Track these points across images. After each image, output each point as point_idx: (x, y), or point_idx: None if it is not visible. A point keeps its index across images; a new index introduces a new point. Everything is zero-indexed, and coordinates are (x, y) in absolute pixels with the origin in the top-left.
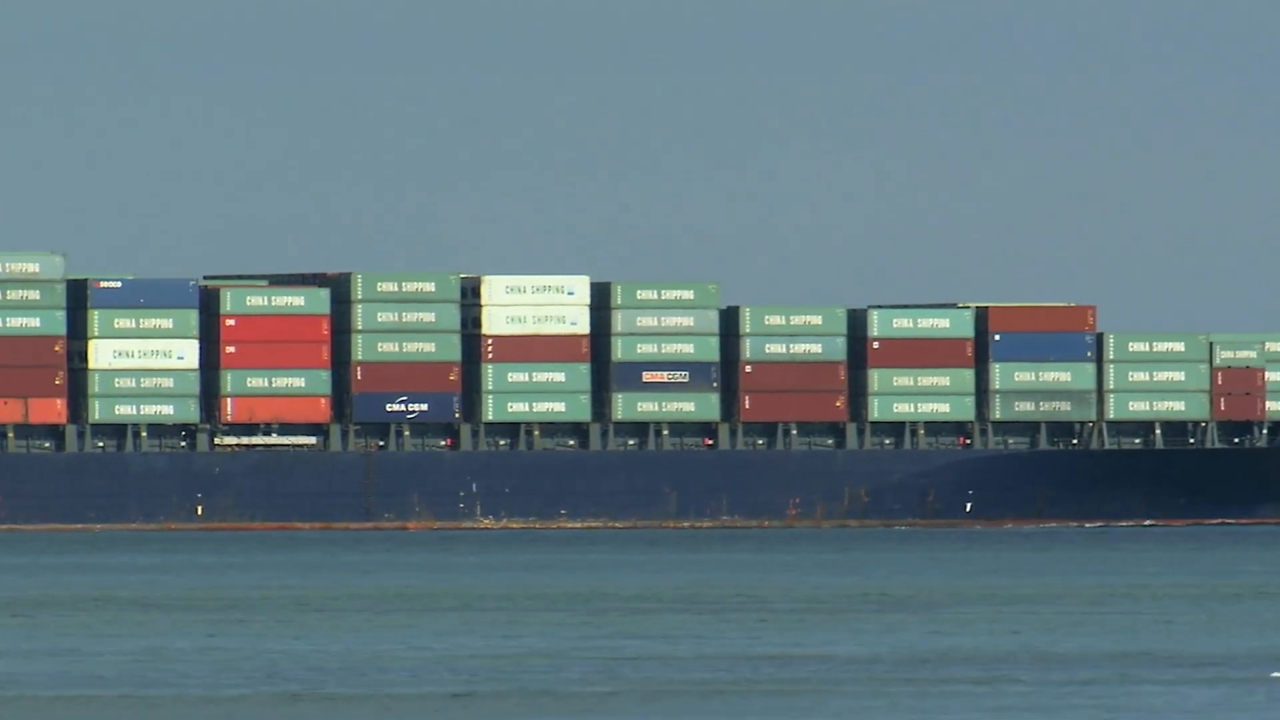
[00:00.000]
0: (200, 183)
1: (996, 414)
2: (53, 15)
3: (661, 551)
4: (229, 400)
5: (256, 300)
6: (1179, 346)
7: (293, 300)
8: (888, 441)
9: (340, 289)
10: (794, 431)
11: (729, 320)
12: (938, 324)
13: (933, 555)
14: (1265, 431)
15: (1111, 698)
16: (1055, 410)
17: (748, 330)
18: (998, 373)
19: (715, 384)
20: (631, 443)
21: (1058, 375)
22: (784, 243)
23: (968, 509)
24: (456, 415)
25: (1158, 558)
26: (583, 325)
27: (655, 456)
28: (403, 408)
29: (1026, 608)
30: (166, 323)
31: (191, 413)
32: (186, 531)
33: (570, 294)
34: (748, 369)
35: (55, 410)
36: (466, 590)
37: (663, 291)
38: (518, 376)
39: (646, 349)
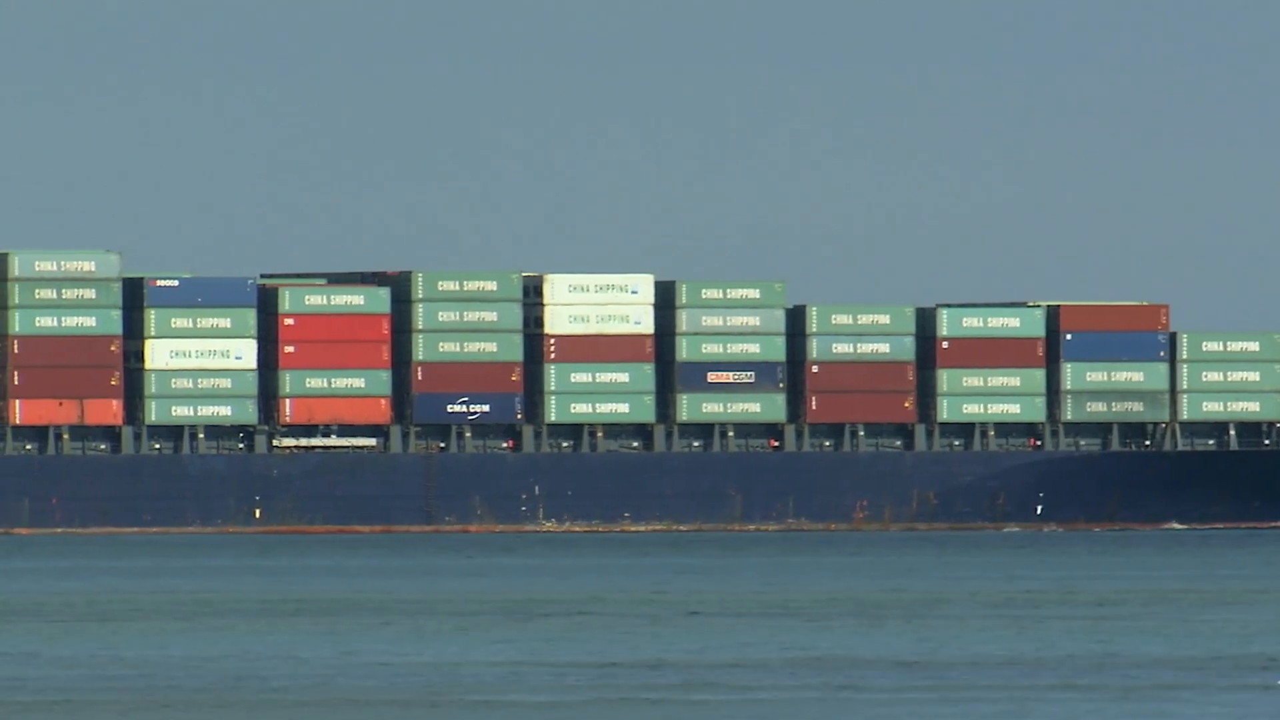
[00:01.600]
0: (258, 180)
1: (1068, 415)
2: (109, 13)
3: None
4: (288, 401)
5: (315, 299)
6: (1254, 346)
7: (352, 299)
8: (957, 443)
9: (401, 288)
10: (861, 433)
11: (795, 319)
12: (1008, 323)
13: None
14: None
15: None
16: (1128, 411)
17: (814, 330)
18: (1069, 373)
19: (781, 384)
20: (696, 444)
21: (1130, 375)
22: (851, 240)
23: (1038, 512)
24: (519, 416)
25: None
26: (647, 325)
27: (720, 458)
28: (464, 409)
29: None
30: (224, 322)
31: (250, 414)
32: (244, 535)
33: (634, 293)
34: (814, 369)
35: (111, 411)
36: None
37: (728, 290)
38: (581, 377)
39: (711, 349)
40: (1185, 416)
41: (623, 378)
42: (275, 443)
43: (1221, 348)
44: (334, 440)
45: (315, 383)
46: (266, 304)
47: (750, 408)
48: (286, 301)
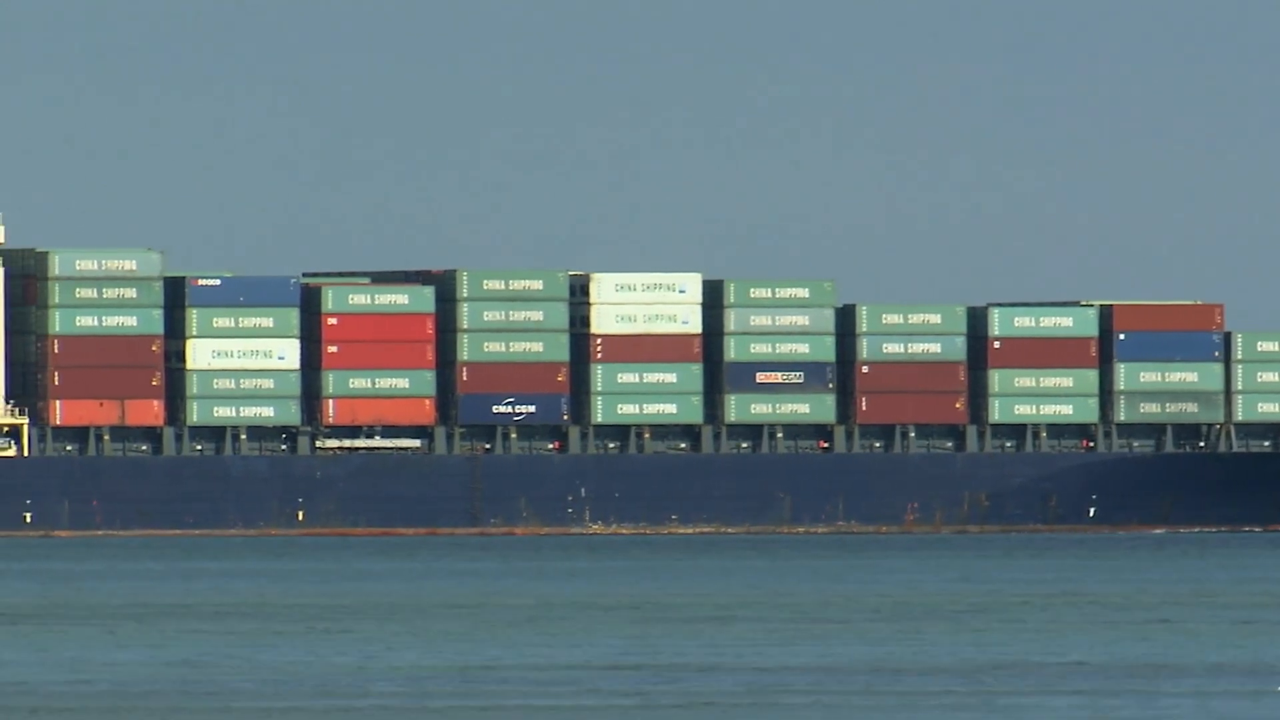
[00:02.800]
0: (300, 178)
1: (1121, 416)
2: (151, 14)
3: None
4: (331, 402)
5: (359, 298)
6: None
7: (396, 298)
8: (1009, 444)
9: (445, 287)
10: (912, 434)
11: (845, 319)
12: (1060, 323)
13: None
14: None
15: None
16: (1182, 412)
17: (864, 329)
18: (1122, 373)
19: (831, 385)
20: (744, 445)
21: (1184, 376)
22: (901, 239)
23: (1091, 514)
24: (565, 417)
25: None
26: (694, 324)
27: (769, 460)
28: (509, 409)
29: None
30: (266, 322)
31: (292, 415)
32: (287, 537)
33: (682, 292)
34: (864, 369)
35: (152, 412)
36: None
37: (777, 289)
38: (628, 377)
39: (760, 349)
40: (1240, 418)
41: (670, 378)
42: (318, 444)
43: (1277, 348)
44: (378, 441)
45: (359, 383)
46: (309, 303)
47: (799, 408)
48: (329, 301)
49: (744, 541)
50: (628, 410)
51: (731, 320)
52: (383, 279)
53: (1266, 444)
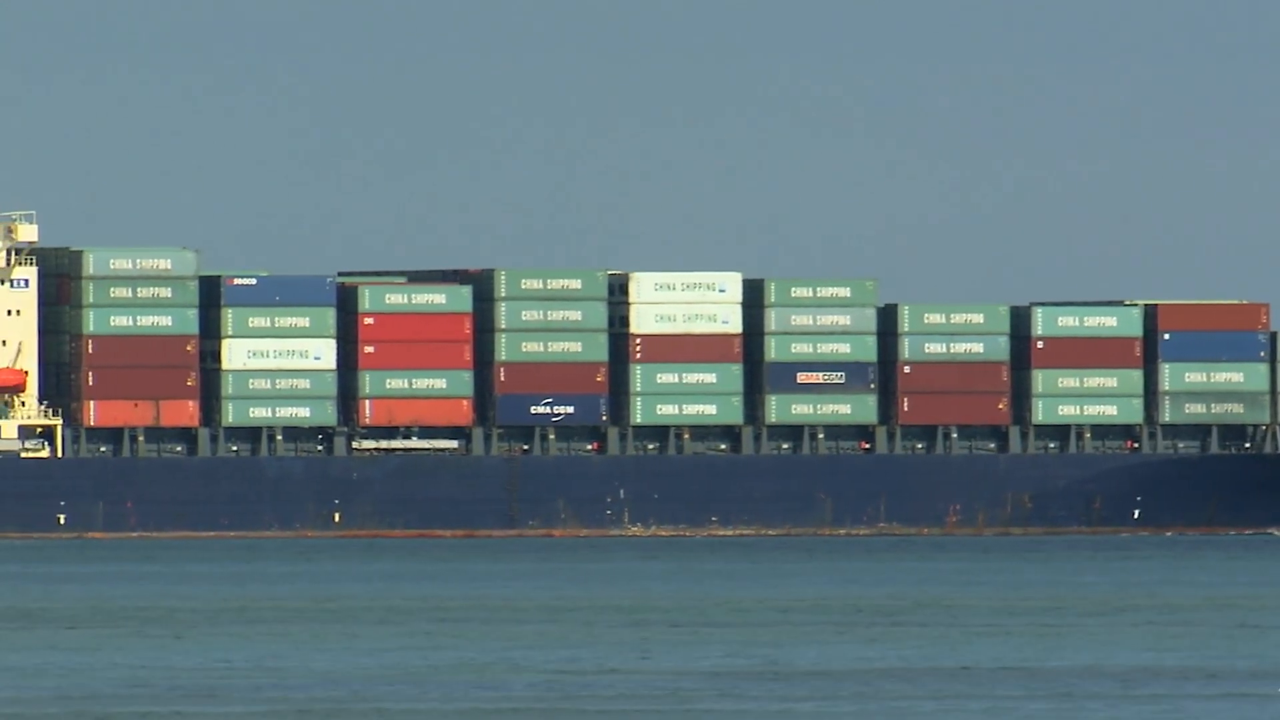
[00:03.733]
0: (337, 176)
1: (1166, 416)
2: (186, 14)
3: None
4: (367, 402)
5: (396, 298)
6: None
7: (433, 298)
8: (1052, 445)
9: (483, 286)
10: (954, 435)
11: (887, 318)
12: (1104, 322)
13: None
14: None
15: None
16: (1227, 412)
17: (906, 329)
18: (1167, 373)
19: (872, 385)
20: (785, 446)
21: (1230, 376)
22: (944, 237)
23: (1135, 516)
24: (604, 418)
25: None
26: (735, 324)
27: (810, 461)
28: (548, 410)
29: None
30: (302, 321)
31: (329, 415)
32: (323, 539)
33: (722, 291)
34: (906, 369)
35: (187, 413)
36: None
37: (818, 289)
38: (667, 377)
39: (801, 349)
40: None
41: (710, 378)
42: (355, 445)
43: None
44: (415, 442)
45: (395, 383)
46: (346, 303)
47: (840, 409)
48: (366, 300)
49: (775, 544)
50: (667, 411)
51: (772, 320)
52: (419, 278)
53: None
